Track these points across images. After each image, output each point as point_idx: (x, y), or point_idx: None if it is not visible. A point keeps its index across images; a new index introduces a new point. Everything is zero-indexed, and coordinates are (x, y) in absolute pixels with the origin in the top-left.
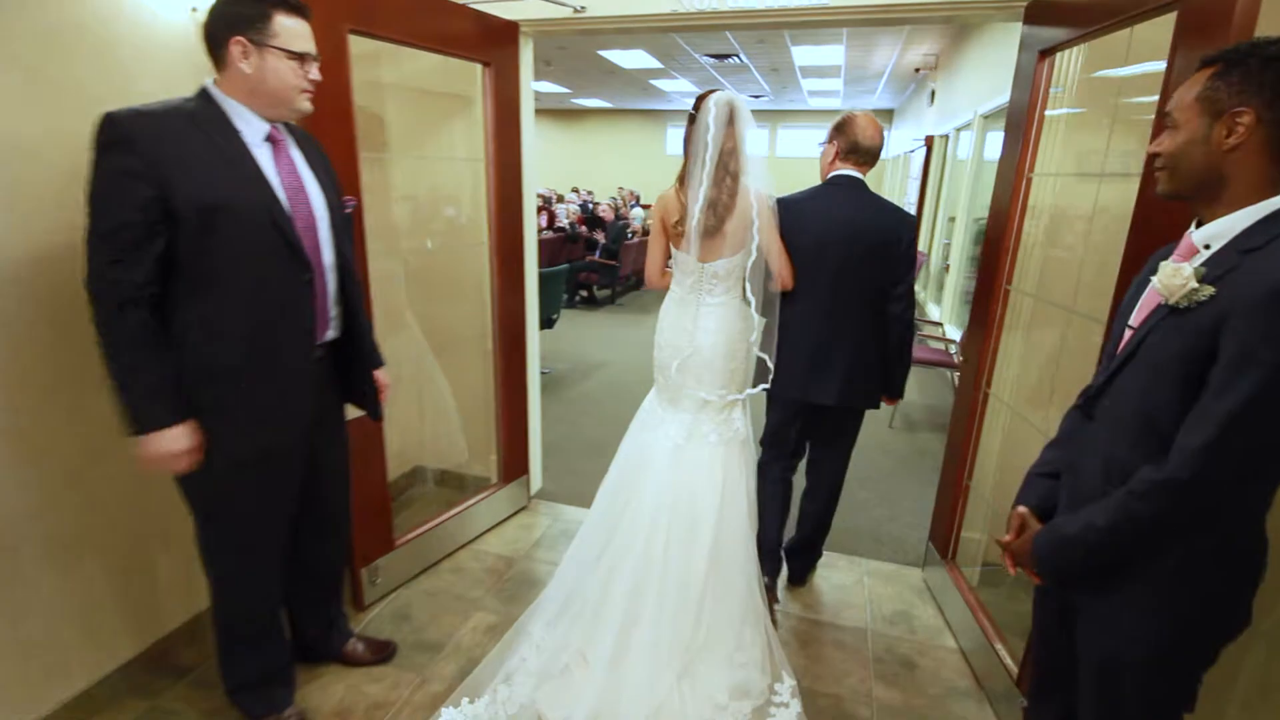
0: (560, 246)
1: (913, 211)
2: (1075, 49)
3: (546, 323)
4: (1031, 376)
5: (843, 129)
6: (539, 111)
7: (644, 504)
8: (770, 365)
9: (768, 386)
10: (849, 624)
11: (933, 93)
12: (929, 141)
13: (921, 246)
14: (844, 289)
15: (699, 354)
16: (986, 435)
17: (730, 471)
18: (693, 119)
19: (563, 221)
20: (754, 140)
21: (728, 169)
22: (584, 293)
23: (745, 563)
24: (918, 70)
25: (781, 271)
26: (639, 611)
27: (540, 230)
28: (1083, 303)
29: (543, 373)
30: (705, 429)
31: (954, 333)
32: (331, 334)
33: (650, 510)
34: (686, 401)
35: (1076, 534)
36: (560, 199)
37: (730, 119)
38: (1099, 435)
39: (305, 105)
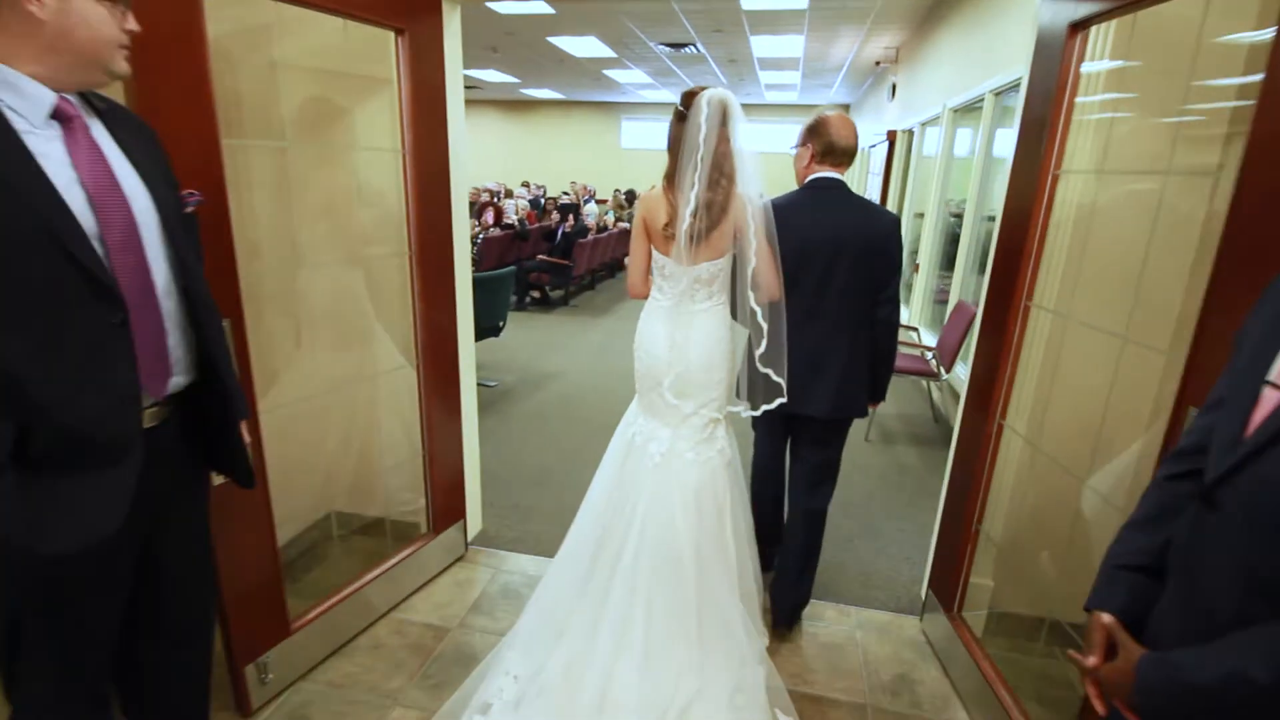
0: (509, 244)
1: None
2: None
3: (491, 330)
4: (1058, 408)
5: (816, 131)
6: (486, 102)
7: (625, 526)
8: (781, 381)
9: (784, 400)
10: (844, 697)
11: (894, 86)
12: (891, 136)
13: None
14: (833, 295)
15: (684, 365)
16: (998, 471)
17: (711, 493)
18: (681, 116)
19: (512, 218)
20: (747, 139)
21: (722, 170)
22: (535, 293)
23: (742, 597)
24: (878, 63)
25: (771, 281)
26: (627, 639)
27: (488, 228)
28: (1137, 328)
29: (487, 386)
30: (682, 446)
31: (928, 338)
32: (180, 380)
33: (633, 533)
34: (668, 415)
35: (1215, 685)
36: (510, 194)
37: (724, 118)
38: (1230, 531)
39: (123, 65)
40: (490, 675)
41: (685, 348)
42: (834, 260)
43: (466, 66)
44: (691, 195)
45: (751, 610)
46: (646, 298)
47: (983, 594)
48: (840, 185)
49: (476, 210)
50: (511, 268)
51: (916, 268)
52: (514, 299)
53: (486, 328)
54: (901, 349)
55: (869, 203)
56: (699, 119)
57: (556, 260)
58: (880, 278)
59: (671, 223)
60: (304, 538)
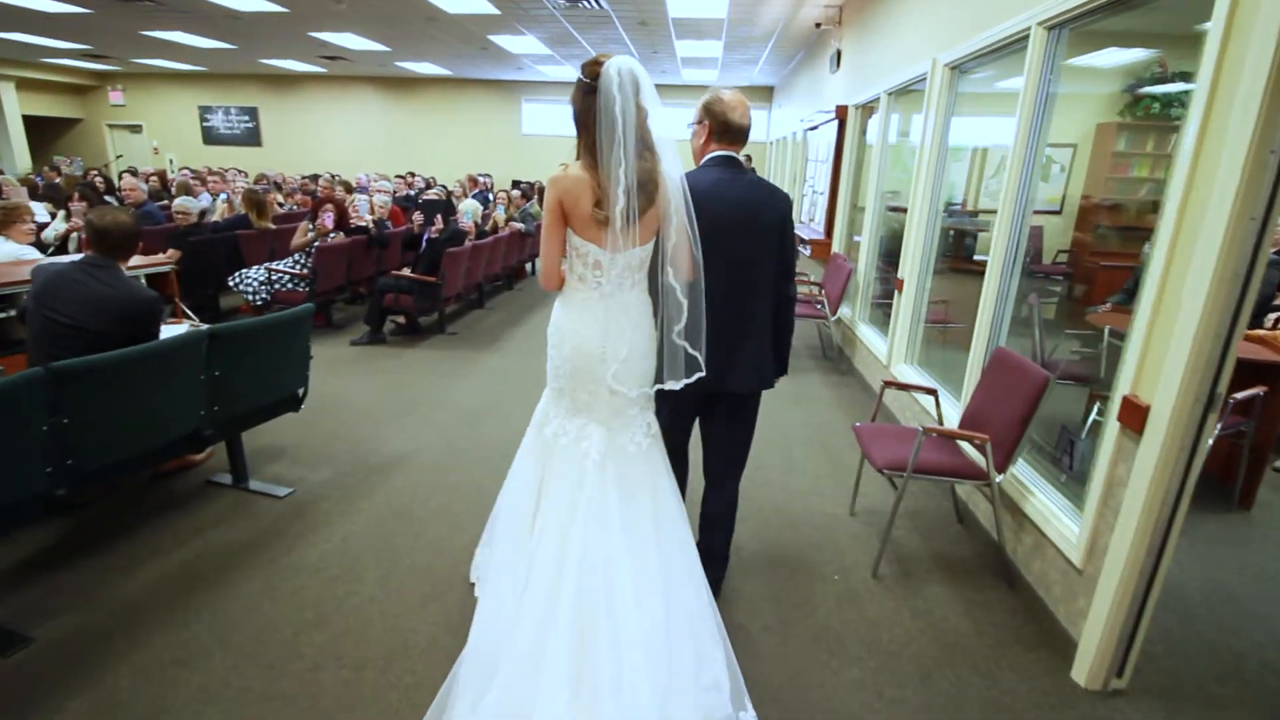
0: (363, 254)
1: (822, 202)
2: None
3: (287, 403)
4: None
5: (712, 109)
6: (357, 78)
7: (567, 530)
8: (700, 359)
9: (703, 374)
10: None
11: (838, 54)
12: (841, 113)
13: (837, 247)
14: (744, 271)
15: (615, 355)
16: None
17: (658, 475)
18: (588, 89)
19: (365, 218)
20: (660, 116)
21: (646, 143)
22: (399, 319)
23: (691, 570)
24: (818, 25)
25: (687, 262)
26: (594, 658)
27: (326, 233)
28: None
29: (271, 496)
30: (623, 439)
31: (950, 406)
32: None
33: (577, 537)
34: (601, 409)
35: None
36: (362, 187)
37: (637, 88)
38: None
39: None
40: None
41: (625, 337)
42: (750, 237)
43: (314, 29)
44: (621, 174)
45: (700, 582)
46: (560, 289)
47: None
48: (739, 163)
49: (310, 211)
50: (307, 306)
51: (900, 285)
52: (366, 330)
53: (275, 403)
54: (920, 430)
55: (764, 180)
56: (612, 89)
57: (418, 277)
58: (785, 252)
59: (602, 204)
60: None
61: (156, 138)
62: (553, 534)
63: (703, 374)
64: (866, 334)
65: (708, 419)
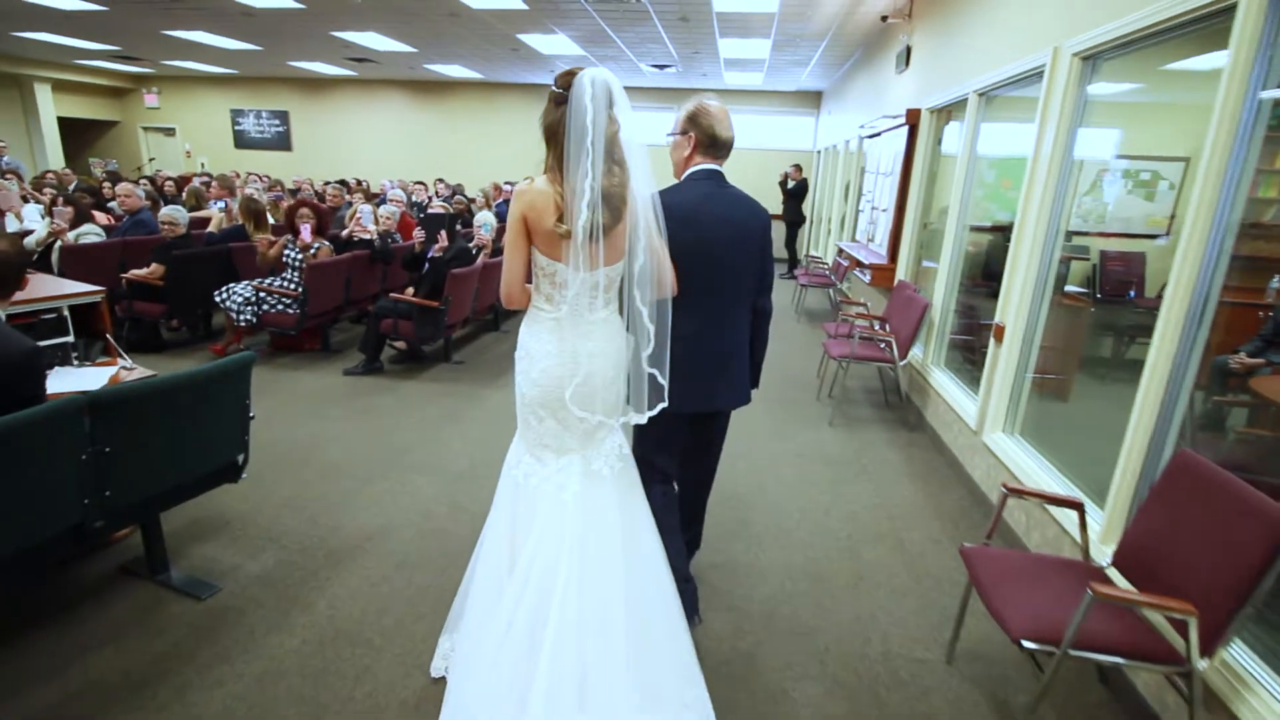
0: (364, 271)
1: (885, 221)
2: None
3: (224, 473)
4: None
5: (698, 120)
6: (386, 82)
7: (548, 573)
8: (662, 381)
9: (665, 405)
10: None
11: (907, 51)
12: (912, 118)
13: (902, 274)
14: (729, 288)
15: (586, 381)
16: None
17: (630, 504)
18: (560, 100)
19: (370, 229)
20: (635, 130)
21: (613, 157)
22: (399, 345)
23: (670, 610)
24: (884, 18)
25: (668, 279)
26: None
27: (307, 248)
28: None
29: (199, 597)
30: (597, 465)
31: (1095, 514)
32: None
33: (558, 578)
34: (572, 437)
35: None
36: (374, 196)
37: (610, 100)
38: None
39: None
40: None
41: (588, 363)
42: (735, 253)
43: (336, 28)
44: (586, 185)
45: (678, 622)
46: (525, 306)
47: None
48: (722, 177)
49: (285, 217)
50: (244, 355)
51: (999, 333)
52: (361, 359)
53: (199, 478)
54: (1089, 594)
55: (745, 193)
56: (584, 99)
57: (419, 301)
58: (766, 267)
59: (564, 219)
60: None
61: (189, 141)
62: (531, 593)
63: (665, 404)
64: (944, 383)
65: (696, 434)
